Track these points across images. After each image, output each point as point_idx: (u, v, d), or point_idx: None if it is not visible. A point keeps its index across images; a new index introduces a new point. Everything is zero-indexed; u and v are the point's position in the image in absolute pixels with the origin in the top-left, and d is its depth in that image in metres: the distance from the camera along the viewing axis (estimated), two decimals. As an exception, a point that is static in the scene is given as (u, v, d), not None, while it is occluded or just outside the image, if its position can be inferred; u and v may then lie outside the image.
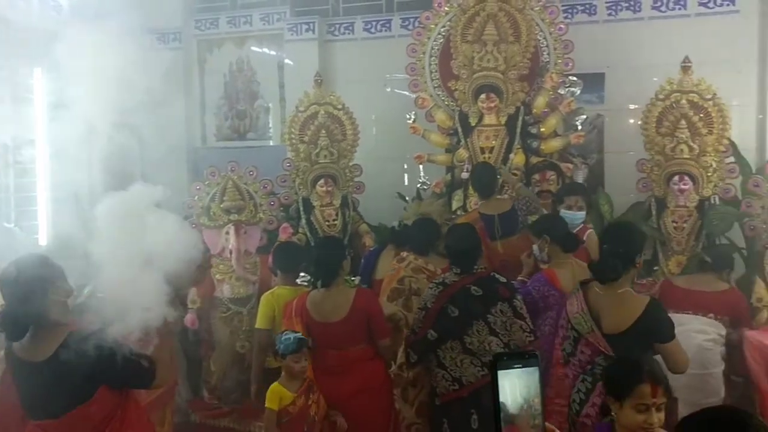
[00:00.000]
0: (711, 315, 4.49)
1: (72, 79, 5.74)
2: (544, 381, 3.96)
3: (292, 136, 5.91)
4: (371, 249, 5.38)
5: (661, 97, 5.26)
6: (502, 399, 1.39)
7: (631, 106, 6.03)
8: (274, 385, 3.76)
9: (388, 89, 6.69)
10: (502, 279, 4.03)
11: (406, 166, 6.61)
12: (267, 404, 3.71)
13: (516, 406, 1.40)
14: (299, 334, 3.79)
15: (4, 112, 5.43)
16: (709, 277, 4.65)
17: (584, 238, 4.69)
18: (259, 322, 4.47)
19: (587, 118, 5.84)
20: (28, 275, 2.77)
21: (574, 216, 4.82)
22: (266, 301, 4.50)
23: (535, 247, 4.50)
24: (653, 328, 3.32)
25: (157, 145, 6.05)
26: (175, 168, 6.85)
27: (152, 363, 2.91)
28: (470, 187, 5.49)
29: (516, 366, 1.41)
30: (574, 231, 4.69)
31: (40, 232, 5.88)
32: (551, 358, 4.09)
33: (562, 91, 5.63)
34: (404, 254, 4.62)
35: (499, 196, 5.24)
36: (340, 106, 5.90)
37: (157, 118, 6.14)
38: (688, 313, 4.42)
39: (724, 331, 4.48)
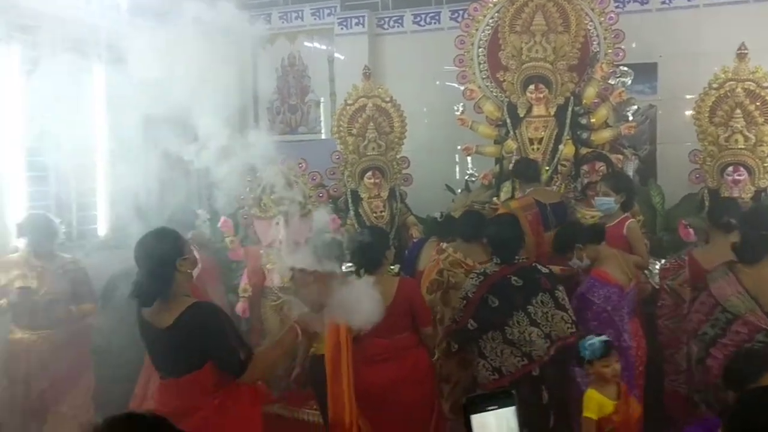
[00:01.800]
0: None
1: (129, 78, 5.98)
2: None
3: (341, 128, 5.98)
4: (416, 240, 5.41)
5: (715, 86, 5.14)
6: None
7: (687, 96, 5.88)
8: (591, 392, 3.51)
9: (437, 81, 6.71)
10: (544, 270, 4.02)
11: (455, 158, 6.62)
12: (585, 413, 3.48)
13: None
14: (604, 337, 3.58)
15: (66, 110, 5.67)
16: None
17: (624, 230, 4.61)
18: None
19: (639, 108, 5.76)
20: (162, 247, 2.98)
21: (600, 201, 4.73)
22: None
23: (574, 261, 4.34)
24: None
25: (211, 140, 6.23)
26: (230, 161, 7.05)
27: (248, 358, 2.99)
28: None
29: (490, 408, 1.32)
30: (611, 220, 4.65)
31: (98, 223, 6.12)
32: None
33: (612, 82, 5.55)
34: (444, 246, 4.63)
35: (546, 188, 5.21)
36: (388, 99, 5.95)
37: (211, 113, 6.34)
38: None
39: None
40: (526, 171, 5.21)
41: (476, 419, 1.30)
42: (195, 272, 3.17)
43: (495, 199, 5.55)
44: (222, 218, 5.61)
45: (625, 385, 3.63)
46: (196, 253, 3.42)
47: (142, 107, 5.84)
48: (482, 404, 1.32)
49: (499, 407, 1.32)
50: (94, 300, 4.70)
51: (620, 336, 3.94)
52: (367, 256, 4.04)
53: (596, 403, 3.46)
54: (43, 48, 5.45)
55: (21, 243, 4.94)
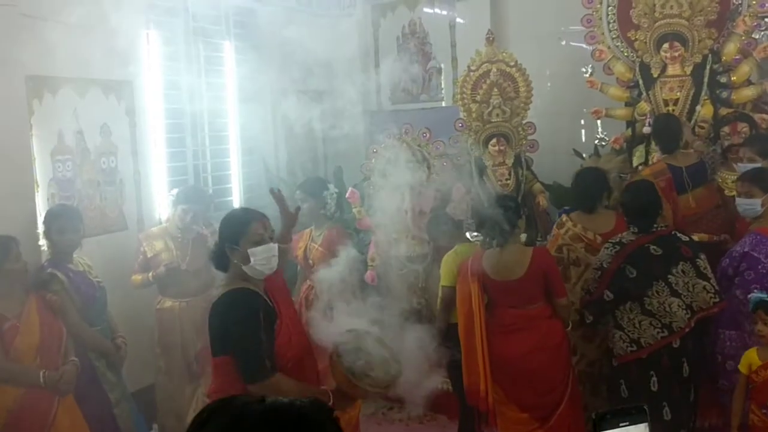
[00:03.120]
0: None
1: (258, 53, 6.17)
2: None
3: (464, 95, 5.91)
4: (563, 210, 5.24)
5: None
6: None
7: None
8: (750, 350, 3.63)
9: (563, 42, 6.49)
10: (684, 238, 3.86)
11: (583, 122, 6.41)
12: (739, 366, 3.64)
13: None
14: (763, 295, 3.59)
15: (199, 84, 5.95)
16: None
17: None
18: (444, 280, 4.56)
19: (787, 63, 5.34)
20: (233, 219, 3.15)
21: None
22: (450, 259, 4.60)
23: (751, 201, 4.02)
24: None
25: (336, 111, 6.36)
26: (354, 131, 7.16)
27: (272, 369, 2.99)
28: (652, 142, 5.24)
29: (622, 424, 1.24)
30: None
31: (233, 195, 6.40)
32: None
33: (756, 36, 5.18)
34: (564, 219, 4.50)
35: (684, 150, 4.95)
36: (512, 63, 5.81)
37: (334, 84, 6.45)
38: None
39: None
40: (665, 129, 4.93)
41: None
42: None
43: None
44: (349, 189, 5.73)
45: None
46: None
47: (271, 83, 6.08)
48: (613, 420, 1.25)
49: (631, 423, 1.25)
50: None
51: None
52: (498, 228, 4.01)
53: (747, 359, 3.55)
54: (178, 31, 5.74)
55: (165, 216, 5.26)
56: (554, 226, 4.57)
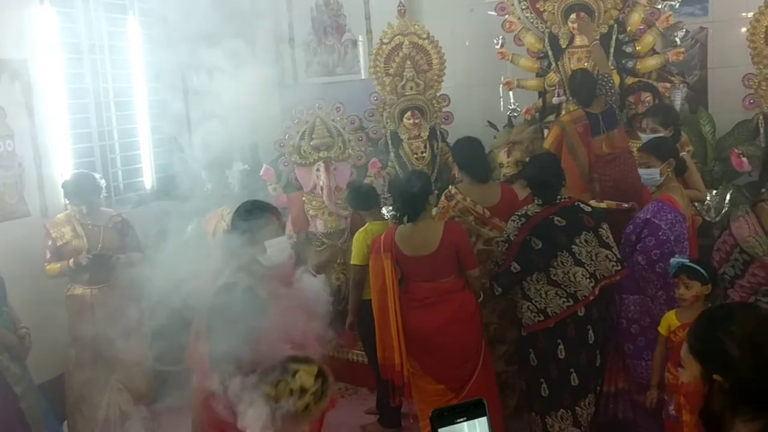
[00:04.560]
0: None
1: (164, 26, 5.96)
2: None
3: (378, 69, 5.88)
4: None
5: (771, 4, 4.86)
6: None
7: (742, 14, 5.55)
8: (670, 312, 3.72)
9: (476, 13, 6.48)
10: (587, 208, 3.96)
11: (497, 93, 6.45)
12: (659, 328, 3.73)
13: None
14: (681, 259, 3.66)
15: (102, 61, 5.71)
16: None
17: None
18: (354, 258, 4.57)
19: (688, 32, 5.49)
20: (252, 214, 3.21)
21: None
22: (360, 238, 4.59)
23: (650, 170, 4.09)
24: None
25: (250, 84, 6.19)
26: (269, 105, 7.02)
27: None
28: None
29: (459, 420, 1.26)
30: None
31: (144, 175, 6.20)
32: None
33: (659, 6, 5.28)
34: (453, 191, 4.54)
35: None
36: (425, 36, 5.80)
37: (247, 56, 6.29)
38: None
39: None
40: (581, 85, 5.00)
41: None
42: None
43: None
44: (264, 166, 5.63)
45: None
46: None
47: (179, 56, 5.88)
48: (451, 416, 1.27)
49: (469, 418, 1.27)
50: (141, 250, 4.79)
51: None
52: (409, 204, 4.02)
53: (666, 320, 3.67)
54: (78, 5, 5.48)
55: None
56: (443, 198, 4.59)
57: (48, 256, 4.60)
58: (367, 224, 4.70)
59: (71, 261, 4.54)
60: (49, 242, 4.62)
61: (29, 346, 4.19)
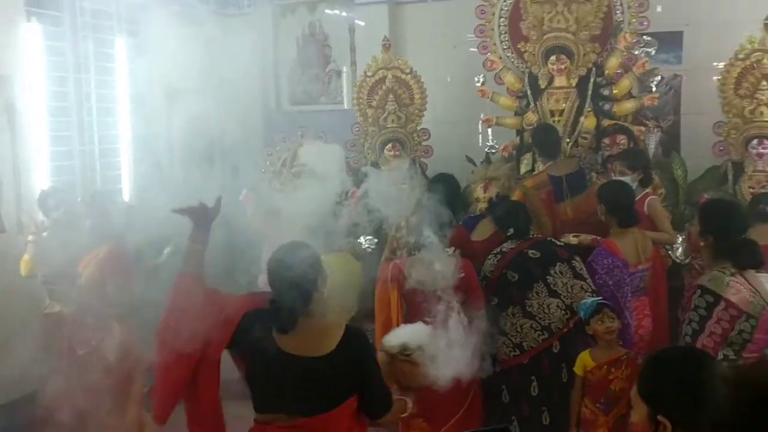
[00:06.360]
0: None
1: (152, 49, 6.01)
2: None
3: (361, 100, 5.98)
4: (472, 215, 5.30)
5: (741, 56, 5.06)
6: None
7: (714, 64, 5.75)
8: (585, 353, 3.76)
9: (459, 51, 6.63)
10: (560, 243, 4.07)
11: (480, 129, 6.57)
12: (574, 368, 3.76)
13: None
14: (599, 298, 3.77)
15: (87, 81, 5.74)
16: None
17: (644, 207, 4.56)
18: None
19: (663, 78, 5.67)
20: (305, 262, 2.64)
21: None
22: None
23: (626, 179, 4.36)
24: None
25: (233, 110, 6.24)
26: (252, 131, 7.08)
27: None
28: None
29: None
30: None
31: (123, 195, 6.20)
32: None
33: (636, 52, 5.46)
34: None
35: (564, 159, 5.18)
36: (408, 71, 5.92)
37: (232, 83, 6.35)
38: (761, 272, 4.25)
39: None
40: (545, 139, 5.14)
41: None
42: None
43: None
44: (244, 191, 5.66)
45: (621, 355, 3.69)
46: None
47: (164, 79, 5.93)
48: None
49: None
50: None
51: (621, 313, 3.88)
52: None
53: (581, 360, 3.72)
54: (65, 25, 5.51)
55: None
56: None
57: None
58: (323, 254, 4.70)
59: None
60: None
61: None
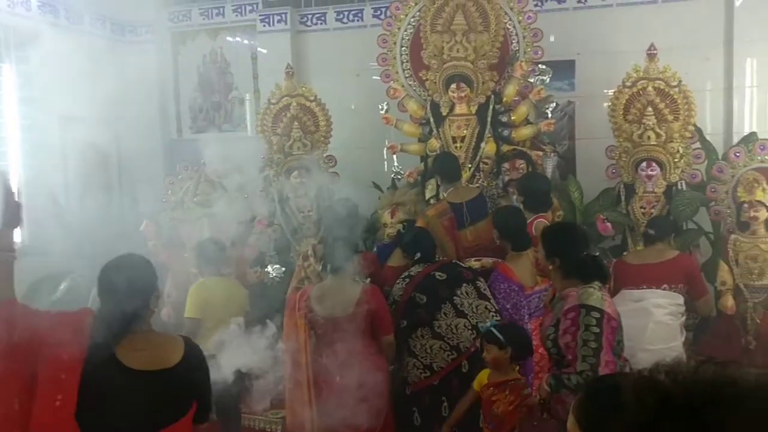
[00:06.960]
0: (665, 286, 4.51)
1: (43, 76, 5.77)
2: None
3: (265, 128, 5.94)
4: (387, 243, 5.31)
5: (628, 84, 5.33)
6: None
7: (605, 90, 6.03)
8: (484, 371, 3.75)
9: (362, 79, 6.71)
10: (464, 265, 4.17)
11: (386, 156, 6.65)
12: (473, 382, 3.76)
13: None
14: (490, 324, 3.70)
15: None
16: (657, 248, 4.72)
17: (532, 230, 4.63)
18: (188, 311, 4.50)
19: (558, 105, 5.91)
20: (137, 275, 2.57)
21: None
22: (194, 291, 4.56)
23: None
24: None
25: (133, 138, 6.05)
26: (152, 160, 6.90)
27: None
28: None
29: None
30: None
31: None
32: None
33: (532, 80, 5.66)
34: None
35: (467, 185, 5.31)
36: (312, 98, 5.93)
37: (131, 111, 6.17)
38: (642, 288, 4.48)
39: (681, 300, 4.51)
40: (444, 166, 5.28)
41: None
42: None
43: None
44: (144, 222, 5.50)
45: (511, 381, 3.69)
46: None
47: (57, 107, 5.70)
48: None
49: None
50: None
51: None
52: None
53: (481, 376, 3.75)
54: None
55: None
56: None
57: None
58: (203, 278, 4.67)
59: None
60: None
61: None
